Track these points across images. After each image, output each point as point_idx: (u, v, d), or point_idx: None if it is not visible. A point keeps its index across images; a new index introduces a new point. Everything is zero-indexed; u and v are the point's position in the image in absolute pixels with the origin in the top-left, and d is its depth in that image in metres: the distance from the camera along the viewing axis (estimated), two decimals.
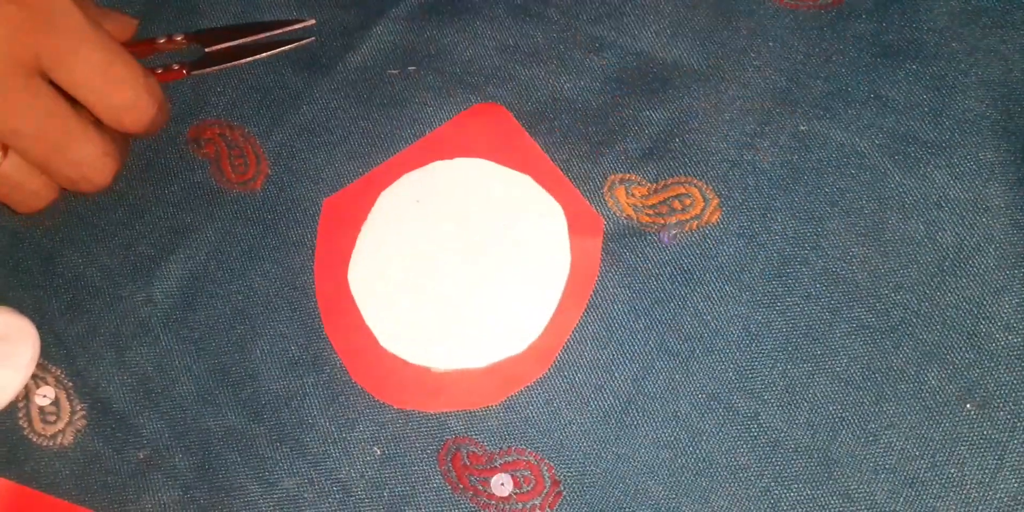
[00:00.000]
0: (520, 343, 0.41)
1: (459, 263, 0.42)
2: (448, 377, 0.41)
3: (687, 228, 0.41)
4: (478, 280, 0.42)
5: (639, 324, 0.40)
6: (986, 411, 0.37)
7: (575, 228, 0.42)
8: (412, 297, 0.42)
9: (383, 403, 0.41)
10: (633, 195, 0.42)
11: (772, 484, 0.38)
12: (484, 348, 0.41)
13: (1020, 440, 0.37)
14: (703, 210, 0.41)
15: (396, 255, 0.43)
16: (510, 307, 0.41)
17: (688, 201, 0.41)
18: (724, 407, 0.39)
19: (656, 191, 0.42)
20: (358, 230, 0.43)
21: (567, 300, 0.41)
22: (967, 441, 0.37)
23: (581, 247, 0.41)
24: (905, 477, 0.37)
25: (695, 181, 0.41)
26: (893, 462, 0.37)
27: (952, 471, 0.37)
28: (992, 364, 0.38)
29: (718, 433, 0.39)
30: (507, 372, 0.40)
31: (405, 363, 0.41)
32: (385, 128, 0.45)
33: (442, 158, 0.44)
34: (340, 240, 0.43)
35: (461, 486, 0.39)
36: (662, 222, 0.41)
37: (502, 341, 0.41)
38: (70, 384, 0.43)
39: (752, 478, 0.38)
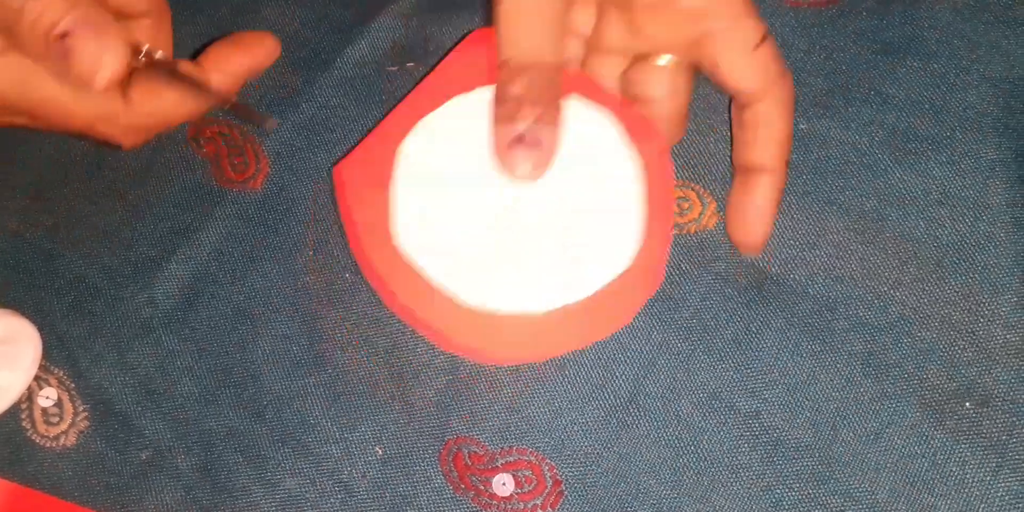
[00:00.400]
0: (618, 264, 0.38)
1: (518, 200, 0.39)
2: (551, 318, 0.38)
3: (685, 231, 0.41)
4: (546, 215, 0.39)
5: (639, 323, 0.40)
6: (986, 409, 0.37)
7: (632, 133, 0.39)
8: (477, 245, 0.39)
9: (495, 368, 0.40)
10: None
11: (773, 483, 0.38)
12: (583, 281, 0.38)
13: (1020, 438, 0.37)
14: (700, 214, 0.41)
15: (444, 208, 0.39)
16: (595, 229, 0.39)
17: (686, 205, 0.41)
18: (725, 406, 0.39)
19: None
20: (386, 191, 0.39)
21: (653, 208, 0.39)
22: (967, 440, 0.37)
23: (647, 151, 0.39)
24: (906, 476, 0.37)
25: (692, 185, 0.41)
26: (894, 461, 0.37)
27: (953, 470, 0.37)
28: (991, 362, 0.38)
29: (719, 432, 0.39)
30: (617, 296, 0.38)
31: (498, 316, 0.38)
32: None
33: (458, 92, 0.40)
34: (371, 207, 0.39)
35: (463, 486, 0.39)
36: None
37: (598, 269, 0.38)
38: (72, 385, 0.43)
39: (753, 477, 0.38)
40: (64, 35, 0.33)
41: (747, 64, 0.38)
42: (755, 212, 0.39)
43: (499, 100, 0.37)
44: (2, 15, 0.33)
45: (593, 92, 0.40)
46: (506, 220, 0.39)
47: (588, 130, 0.39)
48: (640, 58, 0.40)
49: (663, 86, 0.39)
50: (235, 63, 0.42)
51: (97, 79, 0.34)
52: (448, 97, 0.40)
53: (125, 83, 0.37)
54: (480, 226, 0.39)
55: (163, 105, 0.38)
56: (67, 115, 0.37)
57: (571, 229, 0.38)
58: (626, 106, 0.40)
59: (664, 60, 0.39)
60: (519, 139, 0.37)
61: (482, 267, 0.38)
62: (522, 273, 0.38)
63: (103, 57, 0.34)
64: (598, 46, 0.40)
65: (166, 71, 0.38)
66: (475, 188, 0.39)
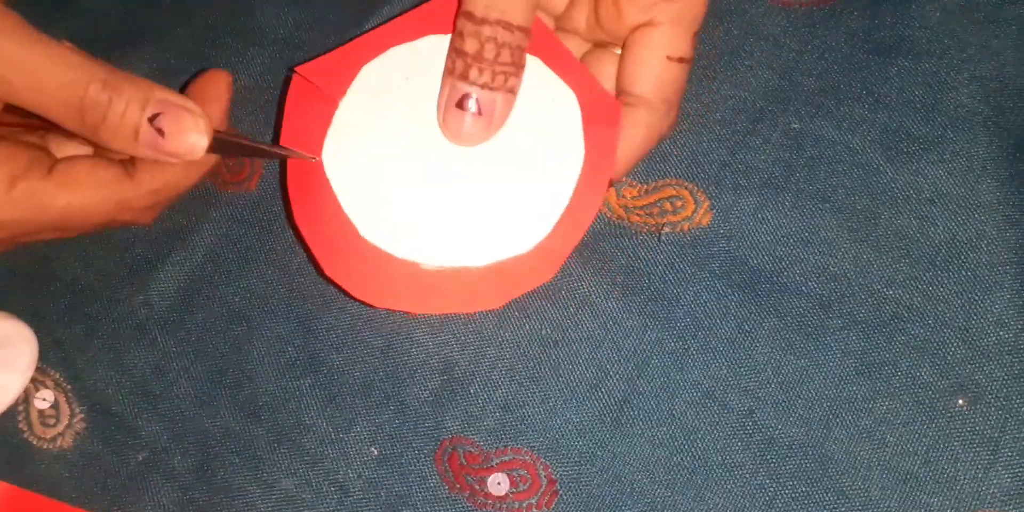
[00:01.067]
0: (526, 242, 0.37)
1: (456, 151, 0.37)
2: (440, 275, 0.37)
3: (679, 229, 0.41)
4: (479, 169, 0.37)
5: (633, 323, 0.40)
6: (978, 407, 0.38)
7: (590, 116, 0.37)
8: (400, 184, 0.37)
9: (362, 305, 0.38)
10: (624, 196, 0.42)
11: (767, 481, 0.38)
12: (483, 245, 0.37)
13: (1012, 435, 0.37)
14: (694, 212, 0.41)
15: (382, 136, 0.38)
16: (516, 201, 0.37)
17: (679, 203, 0.41)
18: (719, 405, 0.39)
19: (647, 192, 0.42)
20: (335, 104, 0.38)
21: (580, 197, 0.37)
22: (960, 437, 0.37)
23: (597, 137, 0.37)
24: (899, 473, 0.37)
25: (686, 183, 0.41)
26: (887, 458, 0.38)
27: (945, 467, 0.37)
28: (984, 360, 0.38)
29: (713, 431, 0.39)
30: (509, 273, 0.37)
31: (390, 257, 0.37)
32: None
33: (436, 32, 0.38)
34: (313, 114, 0.38)
35: (458, 486, 0.40)
36: (653, 222, 0.41)
37: (505, 238, 0.37)
38: (69, 387, 0.43)
39: (747, 475, 0.38)
40: (154, 117, 0.35)
41: (652, 68, 0.37)
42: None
43: (453, 53, 0.36)
44: (88, 114, 0.34)
45: (563, 62, 0.39)
46: (431, 167, 0.38)
47: (549, 105, 0.38)
48: (600, 45, 0.40)
49: (613, 76, 0.39)
50: (219, 114, 0.41)
51: (195, 151, 0.36)
52: (430, 32, 0.39)
53: (130, 167, 0.38)
54: (410, 170, 0.38)
55: (171, 179, 0.39)
56: (88, 219, 0.38)
57: (489, 197, 0.37)
58: (592, 82, 0.38)
59: (620, 51, 0.39)
60: (465, 100, 0.36)
61: (395, 208, 0.37)
62: (427, 222, 0.37)
63: (194, 130, 0.36)
64: (564, 26, 0.40)
65: (234, 142, 0.38)
66: (417, 131, 0.38)
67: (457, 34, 0.35)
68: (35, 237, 0.39)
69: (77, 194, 0.37)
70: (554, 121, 0.38)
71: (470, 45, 0.35)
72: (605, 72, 0.39)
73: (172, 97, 0.36)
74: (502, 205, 0.37)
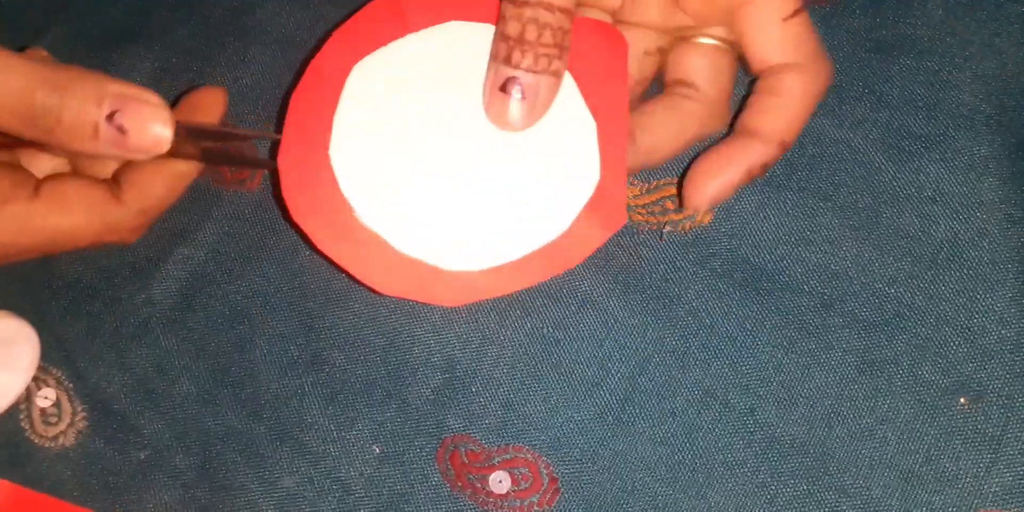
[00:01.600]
0: (524, 248, 0.37)
1: (466, 147, 0.37)
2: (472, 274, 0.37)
3: (680, 228, 0.41)
4: (489, 165, 0.37)
5: (635, 321, 0.40)
6: (980, 405, 0.38)
7: (590, 86, 0.37)
8: (411, 183, 0.37)
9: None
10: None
11: (768, 479, 0.38)
12: (516, 241, 0.36)
13: (1014, 434, 0.37)
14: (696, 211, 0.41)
15: (390, 132, 0.37)
16: (522, 211, 0.37)
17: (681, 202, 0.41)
18: (720, 403, 0.39)
19: (648, 191, 0.42)
20: (338, 99, 0.37)
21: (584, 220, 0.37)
22: (961, 435, 0.37)
23: (603, 106, 0.36)
24: (900, 472, 0.37)
25: None
26: (888, 457, 0.38)
27: (947, 465, 0.37)
28: (986, 358, 0.38)
29: (714, 429, 0.39)
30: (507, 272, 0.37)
31: (416, 262, 0.37)
32: None
33: (455, 18, 0.37)
34: (317, 110, 0.37)
35: (459, 484, 0.40)
36: (654, 221, 0.41)
37: (534, 231, 0.36)
38: (71, 386, 0.43)
39: (748, 473, 0.38)
40: (112, 115, 0.33)
41: (774, 34, 0.36)
42: (723, 168, 0.37)
43: (497, 38, 0.35)
44: (41, 119, 0.33)
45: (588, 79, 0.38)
46: (449, 170, 0.37)
47: (567, 125, 0.37)
48: (681, 38, 0.38)
49: (705, 70, 0.38)
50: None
51: (160, 144, 0.34)
52: (447, 19, 0.38)
53: (116, 188, 0.37)
54: (422, 172, 0.37)
55: (156, 197, 0.38)
56: (75, 240, 0.37)
57: (514, 189, 0.37)
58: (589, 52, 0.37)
59: (707, 40, 0.38)
60: (509, 83, 0.35)
61: (415, 213, 0.37)
62: (456, 227, 0.37)
63: (157, 122, 0.34)
64: (628, 19, 0.38)
65: (204, 132, 0.38)
66: (426, 129, 0.37)
67: (500, 18, 0.35)
68: (19, 258, 0.38)
69: (67, 216, 0.36)
70: (570, 139, 0.37)
71: (512, 28, 0.34)
72: (691, 65, 0.38)
73: (127, 89, 0.34)
74: (521, 204, 0.37)
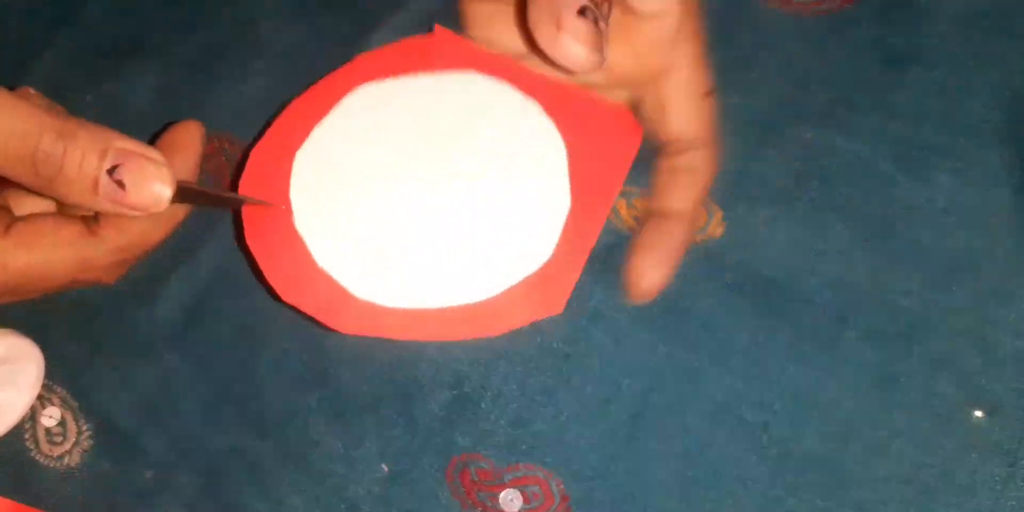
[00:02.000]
0: (492, 289, 0.37)
1: (421, 194, 0.38)
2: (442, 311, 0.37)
3: (691, 241, 0.40)
4: (454, 216, 0.38)
5: (646, 335, 0.40)
6: (996, 418, 0.37)
7: (573, 142, 0.38)
8: (375, 234, 0.38)
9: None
10: (634, 207, 0.41)
11: (783, 495, 0.38)
12: (474, 285, 0.37)
13: None
14: (707, 223, 0.40)
15: (348, 185, 0.38)
16: (501, 236, 0.37)
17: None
18: (733, 418, 0.39)
19: None
20: (293, 155, 0.39)
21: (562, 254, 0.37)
22: (978, 449, 0.37)
23: (577, 146, 0.37)
24: (917, 486, 0.37)
25: None
26: (904, 471, 0.37)
27: (963, 479, 0.37)
28: (1001, 370, 0.38)
29: (728, 445, 0.38)
30: (517, 300, 0.37)
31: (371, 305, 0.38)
32: None
33: (429, 70, 0.39)
34: (274, 166, 0.38)
35: (470, 502, 0.39)
36: None
37: (493, 276, 0.37)
38: (75, 404, 0.42)
39: (763, 489, 0.38)
40: (114, 169, 0.33)
41: (693, 110, 0.37)
42: (661, 257, 0.38)
43: None
44: (42, 167, 0.32)
45: (529, 81, 0.38)
46: (406, 215, 0.37)
47: (520, 125, 0.38)
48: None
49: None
50: (190, 164, 0.39)
51: (159, 203, 0.34)
52: (424, 69, 0.39)
53: (93, 224, 0.37)
54: (379, 219, 0.38)
55: (136, 235, 0.37)
56: (46, 279, 0.36)
57: (475, 232, 0.37)
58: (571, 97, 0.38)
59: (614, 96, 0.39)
60: (587, 9, 0.32)
61: (369, 256, 0.37)
62: (413, 270, 0.37)
63: (157, 180, 0.33)
64: (533, 63, 0.39)
65: (197, 192, 0.37)
66: (379, 179, 0.38)
67: None
68: None
69: (36, 253, 0.35)
70: (528, 148, 0.38)
71: None
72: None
73: (132, 145, 0.33)
74: (491, 246, 0.37)
